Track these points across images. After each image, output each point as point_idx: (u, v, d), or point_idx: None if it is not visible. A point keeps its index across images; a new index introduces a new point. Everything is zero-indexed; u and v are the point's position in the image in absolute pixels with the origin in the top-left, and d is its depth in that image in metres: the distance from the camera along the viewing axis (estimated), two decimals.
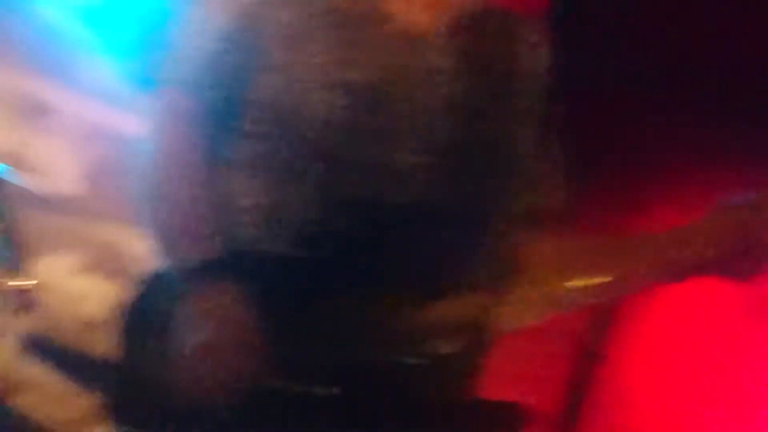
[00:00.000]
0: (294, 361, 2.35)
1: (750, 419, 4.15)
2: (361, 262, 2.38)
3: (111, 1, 4.88)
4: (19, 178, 4.09)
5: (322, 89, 2.39)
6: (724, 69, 4.11)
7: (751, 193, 2.46)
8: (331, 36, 2.41)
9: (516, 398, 2.67)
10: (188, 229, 2.45)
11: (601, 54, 4.04)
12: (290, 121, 2.41)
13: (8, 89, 4.94)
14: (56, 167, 4.96)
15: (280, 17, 2.42)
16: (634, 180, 4.32)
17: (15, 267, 4.18)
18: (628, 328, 4.61)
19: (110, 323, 4.99)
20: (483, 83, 2.49)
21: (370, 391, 2.40)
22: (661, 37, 4.14)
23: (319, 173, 2.38)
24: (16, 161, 4.64)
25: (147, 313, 2.63)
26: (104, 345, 4.98)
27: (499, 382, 2.65)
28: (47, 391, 4.88)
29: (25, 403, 4.84)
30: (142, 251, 4.98)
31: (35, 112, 5.00)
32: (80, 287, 5.00)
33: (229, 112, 2.45)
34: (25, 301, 3.96)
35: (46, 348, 4.81)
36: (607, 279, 2.57)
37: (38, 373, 4.88)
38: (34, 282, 3.98)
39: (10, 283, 3.84)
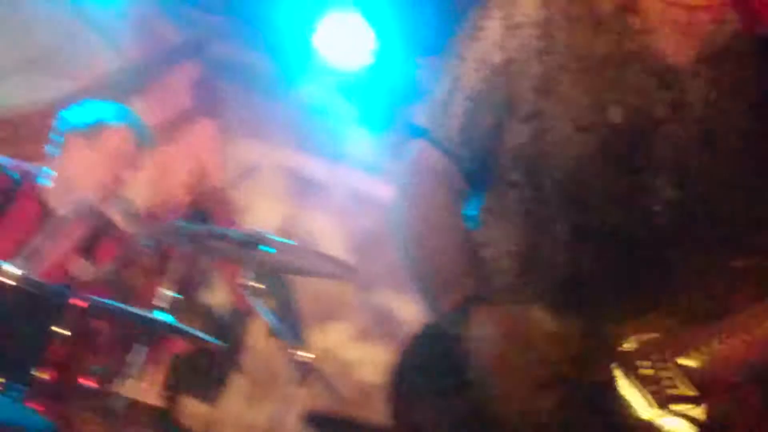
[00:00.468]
0: None
1: None
2: (614, 300, 2.36)
3: (365, 76, 5.09)
4: (293, 252, 4.27)
5: (577, 133, 2.40)
6: None
7: None
8: (585, 80, 2.41)
9: None
10: (447, 280, 2.49)
11: None
12: (542, 167, 2.42)
13: (277, 167, 5.20)
14: (326, 239, 5.15)
15: (530, 71, 2.45)
16: None
17: (297, 338, 4.36)
18: None
19: (384, 388, 5.15)
20: (737, 110, 2.43)
21: None
22: None
23: (572, 216, 2.38)
24: (289, 236, 4.86)
25: (416, 372, 2.66)
26: (380, 410, 5.11)
27: None
28: None
29: None
30: (413, 315, 5.11)
31: (304, 187, 5.23)
32: (356, 354, 5.15)
33: (481, 165, 2.50)
34: (307, 371, 4.09)
35: (327, 417, 4.98)
36: None
37: None
38: (315, 354, 4.12)
39: (298, 354, 3.98)
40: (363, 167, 5.22)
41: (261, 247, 3.82)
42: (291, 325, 4.44)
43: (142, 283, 4.39)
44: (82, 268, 3.93)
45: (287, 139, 5.25)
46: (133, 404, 3.79)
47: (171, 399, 4.70)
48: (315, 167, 5.26)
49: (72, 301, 3.29)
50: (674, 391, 2.27)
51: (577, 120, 2.43)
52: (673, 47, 2.44)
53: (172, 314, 3.71)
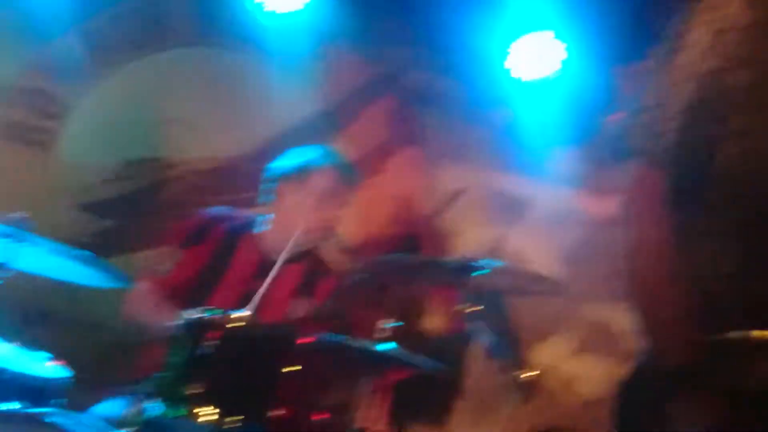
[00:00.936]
0: None
1: None
2: None
3: (559, 90, 5.07)
4: (503, 273, 4.30)
5: None
6: None
7: None
8: None
9: None
10: (668, 310, 2.45)
11: None
12: (756, 185, 2.34)
13: (482, 190, 5.24)
14: (535, 256, 5.15)
15: (738, 81, 2.36)
16: None
17: (516, 358, 4.38)
18: None
19: (606, 402, 5.10)
20: None
21: None
22: None
23: None
24: (498, 257, 4.89)
25: (641, 391, 2.64)
26: (602, 425, 5.06)
27: None
28: None
29: None
30: (629, 328, 5.04)
31: (509, 207, 5.25)
32: (576, 368, 5.12)
33: (694, 183, 2.42)
34: (528, 389, 4.10)
35: None
36: None
37: None
38: (535, 371, 4.13)
39: (519, 373, 4.01)
40: (566, 182, 5.20)
41: (473, 271, 3.87)
42: (509, 345, 4.45)
43: (361, 316, 4.51)
44: (301, 307, 4.06)
45: (489, 161, 5.29)
46: None
47: (398, 427, 4.79)
48: (518, 186, 5.27)
49: (299, 339, 3.41)
50: None
51: None
52: None
53: (393, 344, 3.79)
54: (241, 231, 4.32)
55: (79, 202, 5.40)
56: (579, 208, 5.20)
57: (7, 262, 3.33)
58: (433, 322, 5.17)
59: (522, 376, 3.85)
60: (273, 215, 4.32)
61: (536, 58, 5.05)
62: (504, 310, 5.06)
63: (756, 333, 2.28)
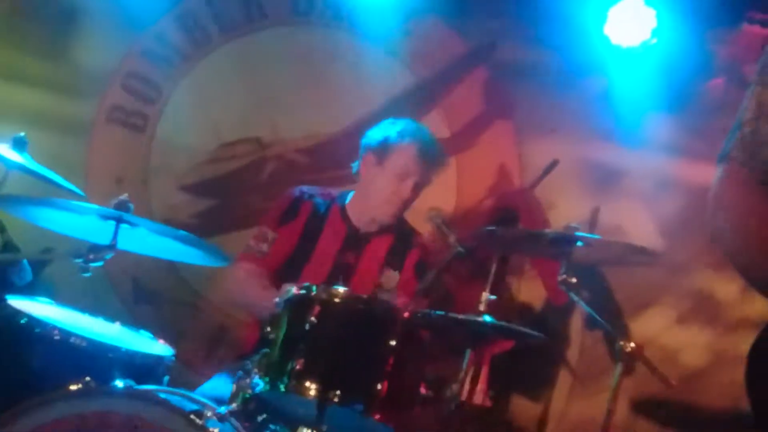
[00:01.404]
0: None
1: None
2: None
3: (654, 57, 5.00)
4: (601, 244, 4.27)
5: None
6: None
7: None
8: None
9: None
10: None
11: None
12: None
13: (578, 160, 5.19)
14: (633, 227, 5.09)
15: None
16: None
17: (617, 329, 4.35)
18: None
19: (711, 372, 5.03)
20: None
21: None
22: None
23: None
24: (596, 228, 4.85)
25: None
26: (708, 395, 5.00)
27: None
28: None
29: None
30: (733, 295, 4.98)
31: (606, 177, 5.19)
32: (679, 338, 5.06)
33: None
34: (630, 360, 4.08)
35: (655, 404, 4.92)
36: None
37: (652, 429, 5.00)
38: (637, 342, 4.10)
39: (620, 344, 3.99)
40: (663, 150, 5.12)
41: (572, 242, 3.86)
42: (609, 316, 4.42)
43: (461, 289, 4.52)
44: (391, 278, 4.09)
45: (585, 131, 5.23)
46: (463, 406, 3.90)
47: (499, 399, 4.80)
48: (615, 156, 5.21)
49: (401, 314, 3.44)
50: None
51: None
52: None
53: (492, 316, 3.80)
54: (328, 206, 4.42)
55: (179, 184, 5.52)
56: (676, 177, 5.13)
57: (111, 244, 3.39)
58: (532, 293, 5.16)
59: (623, 346, 3.84)
60: (357, 189, 4.41)
61: (631, 25, 4.98)
62: (603, 282, 5.03)
63: None
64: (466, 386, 3.89)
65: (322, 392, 3.23)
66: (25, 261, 3.91)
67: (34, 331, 3.49)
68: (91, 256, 3.39)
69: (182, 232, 3.50)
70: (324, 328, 3.32)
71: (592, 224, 4.86)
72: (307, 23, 5.53)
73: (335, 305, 3.37)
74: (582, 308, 4.07)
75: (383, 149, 4.29)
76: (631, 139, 5.15)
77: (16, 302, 3.63)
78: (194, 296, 5.23)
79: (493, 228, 4.33)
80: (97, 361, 3.44)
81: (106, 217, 3.42)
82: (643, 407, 4.97)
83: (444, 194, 5.24)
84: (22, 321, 3.51)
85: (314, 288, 3.38)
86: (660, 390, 4.48)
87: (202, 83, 5.53)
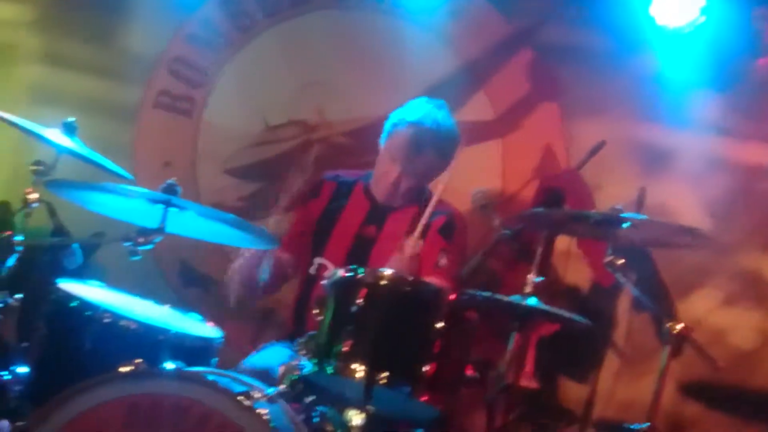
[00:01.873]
0: None
1: None
2: None
3: (701, 36, 4.95)
4: (649, 225, 4.25)
5: None
6: None
7: None
8: None
9: None
10: None
11: None
12: None
13: (624, 141, 5.16)
14: (681, 207, 5.06)
15: None
16: None
17: (665, 310, 4.33)
18: None
19: (759, 353, 5.00)
20: None
21: None
22: None
23: None
24: (643, 209, 4.82)
25: None
26: (757, 377, 4.97)
27: None
28: (710, 429, 4.96)
29: None
30: None
31: (653, 158, 5.16)
32: (726, 320, 5.03)
33: None
34: (678, 342, 4.06)
35: (703, 385, 4.90)
36: None
37: (699, 410, 4.97)
38: (684, 323, 4.08)
39: (668, 326, 3.97)
40: (710, 130, 5.08)
41: (619, 223, 3.84)
42: (657, 298, 4.40)
43: (508, 271, 4.52)
44: (414, 245, 4.08)
45: (631, 111, 5.19)
46: (510, 388, 3.91)
47: (545, 380, 4.80)
48: (663, 136, 5.17)
49: (444, 294, 3.45)
50: None
51: None
52: None
53: (538, 297, 3.79)
54: (353, 185, 4.48)
55: (226, 167, 5.56)
56: (724, 157, 5.08)
57: (160, 227, 3.43)
58: (579, 274, 5.15)
59: (671, 327, 3.82)
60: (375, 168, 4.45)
61: (679, 4, 4.93)
62: (651, 263, 5.00)
63: None
64: (513, 368, 3.89)
65: (370, 374, 3.25)
66: (75, 245, 3.95)
67: (85, 314, 3.54)
68: (141, 240, 3.43)
69: (230, 216, 3.53)
70: (371, 311, 3.33)
71: (639, 205, 4.82)
72: (351, 7, 5.55)
73: (381, 287, 3.37)
74: (629, 290, 4.05)
75: (388, 130, 4.35)
76: (679, 119, 5.11)
77: (67, 285, 3.69)
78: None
79: (539, 209, 4.32)
80: (147, 343, 3.48)
81: (154, 201, 3.45)
82: (691, 389, 4.95)
83: (489, 176, 5.27)
84: (74, 304, 3.57)
85: (361, 270, 3.40)
86: (707, 372, 4.46)
87: (248, 67, 5.56)
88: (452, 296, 3.46)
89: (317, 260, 4.29)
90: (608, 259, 3.86)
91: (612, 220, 3.83)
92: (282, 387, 3.36)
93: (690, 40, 4.99)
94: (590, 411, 5.02)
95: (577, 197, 5.06)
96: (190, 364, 3.41)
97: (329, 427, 3.52)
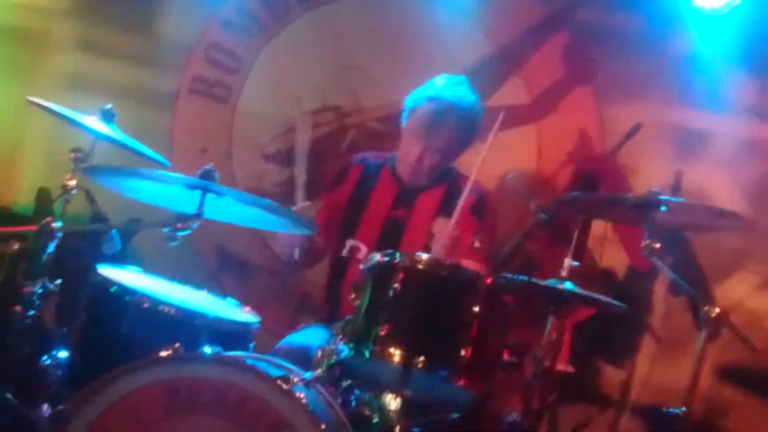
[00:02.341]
0: None
1: None
2: None
3: (738, 18, 4.91)
4: (685, 209, 4.23)
5: None
6: None
7: None
8: None
9: None
10: None
11: None
12: None
13: (661, 124, 5.13)
14: (717, 191, 5.03)
15: None
16: None
17: (701, 294, 4.31)
18: None
19: None
20: None
21: None
22: None
23: None
24: (679, 192, 4.80)
25: None
26: None
27: None
28: (747, 414, 4.94)
29: (728, 425, 4.95)
30: None
31: (689, 141, 5.13)
32: (764, 303, 5.00)
33: None
34: (715, 325, 4.05)
35: (740, 369, 4.88)
36: None
37: (736, 395, 4.95)
38: (721, 307, 4.07)
39: (705, 309, 3.96)
40: (747, 112, 5.04)
41: (655, 207, 3.82)
42: (693, 282, 4.37)
43: (544, 254, 4.50)
44: (445, 225, 4.07)
45: (667, 95, 5.16)
46: (546, 372, 3.90)
47: (582, 365, 4.79)
48: (699, 119, 5.14)
49: (481, 278, 3.46)
50: None
51: None
52: None
53: (574, 282, 3.78)
54: (380, 167, 4.49)
55: (262, 153, 5.58)
56: (761, 140, 5.05)
57: (197, 213, 3.45)
58: (615, 258, 5.14)
59: (707, 311, 3.81)
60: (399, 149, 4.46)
61: None
62: (687, 247, 4.98)
63: None
64: (549, 352, 3.89)
65: (407, 358, 3.26)
66: (114, 231, 3.98)
67: (124, 299, 3.59)
68: (178, 225, 3.45)
69: (266, 201, 3.55)
70: (408, 295, 3.35)
71: (675, 188, 4.80)
72: None
73: (418, 272, 3.39)
74: (666, 274, 4.03)
75: (409, 107, 4.36)
76: (715, 102, 5.08)
77: (106, 271, 3.73)
78: (278, 263, 5.29)
79: (575, 193, 4.30)
80: (185, 328, 3.52)
81: (192, 187, 3.48)
82: (728, 373, 4.93)
83: (525, 160, 5.26)
84: (113, 289, 3.62)
85: (398, 255, 3.41)
86: (745, 356, 4.45)
87: (283, 53, 5.56)
88: (489, 280, 3.47)
89: (349, 242, 4.31)
90: (645, 243, 3.85)
91: (649, 204, 3.81)
92: (319, 371, 3.39)
93: (726, 22, 4.95)
94: (627, 395, 5.02)
95: (612, 181, 5.05)
96: (227, 349, 3.43)
97: (366, 411, 3.54)
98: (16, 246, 3.66)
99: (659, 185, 4.12)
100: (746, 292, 5.02)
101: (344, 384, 3.53)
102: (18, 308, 3.65)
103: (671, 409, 3.84)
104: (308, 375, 3.33)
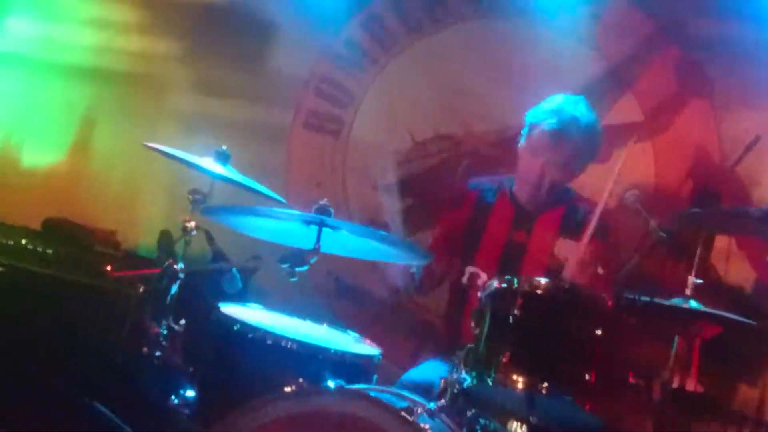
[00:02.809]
0: None
1: None
2: None
3: None
4: None
5: None
6: None
7: None
8: None
9: None
10: None
11: None
12: None
13: None
14: None
15: None
16: None
17: None
18: None
19: None
20: None
21: None
22: None
23: None
24: None
25: None
26: None
27: None
28: None
29: None
30: None
31: None
32: None
33: None
34: None
35: None
36: None
37: None
38: None
39: None
40: None
41: None
42: None
43: (666, 273, 4.42)
44: (567, 247, 4.02)
45: None
46: (676, 393, 3.83)
47: (712, 384, 4.68)
48: None
49: (602, 301, 3.40)
50: None
51: None
52: None
53: (699, 300, 3.71)
54: (497, 191, 4.47)
55: (376, 185, 5.60)
56: None
57: (315, 248, 3.48)
58: (741, 273, 5.01)
59: None
60: (518, 168, 4.42)
61: None
62: None
63: None
64: (677, 372, 3.82)
65: (531, 384, 3.23)
66: (234, 269, 4.05)
67: (247, 336, 3.62)
68: (297, 261, 3.50)
69: (382, 233, 3.56)
70: (528, 320, 3.32)
71: None
72: (491, 17, 5.51)
73: (538, 297, 3.36)
74: None
75: (528, 124, 4.33)
76: None
77: (229, 309, 3.78)
78: (398, 294, 5.30)
79: (696, 209, 4.22)
80: (308, 362, 3.54)
81: (308, 222, 3.52)
82: None
83: (642, 178, 5.17)
84: (236, 327, 3.65)
85: (516, 281, 3.38)
86: None
87: (392, 84, 5.59)
88: (610, 302, 3.42)
89: (469, 269, 4.29)
90: None
91: None
92: (443, 401, 3.38)
93: None
94: (763, 413, 4.88)
95: (734, 195, 4.93)
96: (350, 382, 3.44)
97: None
98: (141, 289, 3.75)
99: None
100: None
101: (469, 413, 3.50)
102: (145, 349, 3.74)
103: None
104: (432, 405, 3.32)
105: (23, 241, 4.77)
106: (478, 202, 4.46)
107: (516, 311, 3.32)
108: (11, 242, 4.77)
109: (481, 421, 3.51)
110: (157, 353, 3.74)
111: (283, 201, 4.14)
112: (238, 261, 4.20)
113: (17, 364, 4.25)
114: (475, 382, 3.32)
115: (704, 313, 3.67)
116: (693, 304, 3.65)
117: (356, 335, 3.93)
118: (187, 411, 3.69)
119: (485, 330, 3.38)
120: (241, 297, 3.96)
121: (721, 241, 4.84)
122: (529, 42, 5.37)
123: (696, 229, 4.11)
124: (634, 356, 3.61)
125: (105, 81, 5.78)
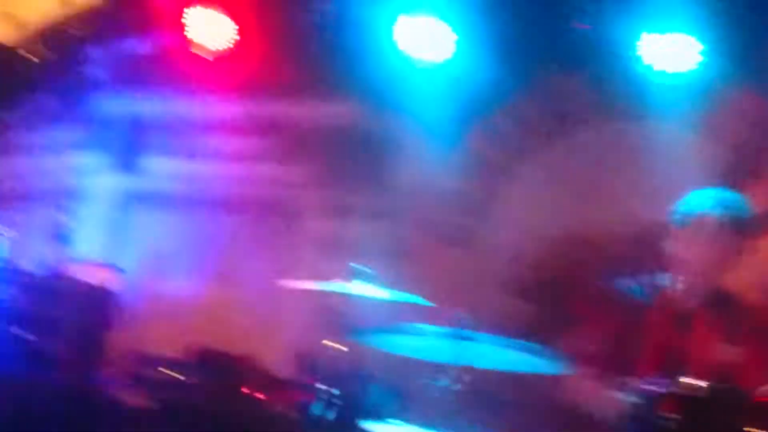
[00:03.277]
0: None
1: None
2: None
3: None
4: None
5: None
6: None
7: None
8: None
9: None
10: None
11: None
12: None
13: None
14: None
15: None
16: None
17: None
18: None
19: None
20: None
21: None
22: None
23: None
24: None
25: None
26: None
27: None
28: None
29: None
30: None
31: None
32: None
33: None
34: None
35: None
36: None
37: None
38: None
39: None
40: None
41: None
42: None
43: None
44: (728, 353, 3.92)
45: None
46: None
47: None
48: None
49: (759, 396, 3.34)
50: None
51: None
52: None
53: None
54: (648, 291, 4.30)
55: (508, 290, 5.62)
56: None
57: (454, 361, 3.50)
58: None
59: None
60: (673, 263, 4.26)
61: None
62: None
63: None
64: None
65: None
66: (377, 386, 4.08)
67: None
68: (441, 376, 3.53)
69: (520, 342, 3.57)
70: (684, 424, 3.30)
71: None
72: (615, 117, 5.54)
73: (694, 400, 3.34)
74: None
75: (694, 220, 4.19)
76: None
77: (371, 426, 3.81)
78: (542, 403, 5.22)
79: None
80: None
81: (449, 337, 3.55)
82: None
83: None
84: None
85: (666, 383, 3.37)
86: None
87: (520, 189, 5.64)
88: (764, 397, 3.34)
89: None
90: None
91: None
92: None
93: None
94: None
95: None
96: None
97: None
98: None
99: None
100: None
101: None
102: None
103: None
104: None
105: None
106: (631, 305, 4.28)
107: (666, 415, 3.30)
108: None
109: None
110: None
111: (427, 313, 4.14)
112: (382, 378, 4.24)
113: None
114: None
115: None
116: None
117: None
118: None
119: None
120: (383, 413, 3.97)
121: None
122: (653, 138, 5.36)
123: None
124: None
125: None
